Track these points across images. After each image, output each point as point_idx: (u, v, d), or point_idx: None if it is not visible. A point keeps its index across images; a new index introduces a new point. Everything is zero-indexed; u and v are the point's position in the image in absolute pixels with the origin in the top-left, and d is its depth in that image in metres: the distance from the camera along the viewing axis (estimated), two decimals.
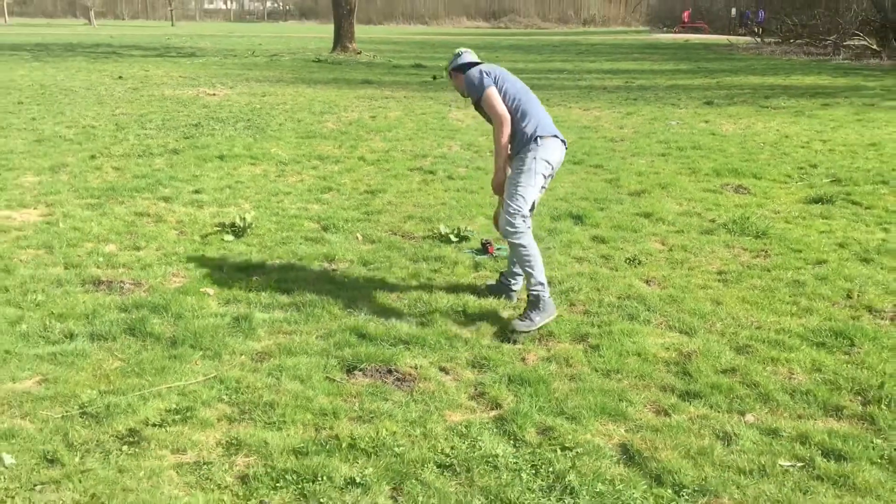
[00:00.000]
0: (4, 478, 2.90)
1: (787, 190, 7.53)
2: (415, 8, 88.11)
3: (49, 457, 3.04)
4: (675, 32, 49.81)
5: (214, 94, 14.82)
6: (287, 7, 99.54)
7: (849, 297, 4.72)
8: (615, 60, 26.88)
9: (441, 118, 12.10)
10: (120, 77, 17.80)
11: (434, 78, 18.88)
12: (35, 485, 2.87)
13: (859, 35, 28.88)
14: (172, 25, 65.17)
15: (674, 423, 3.28)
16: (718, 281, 5.03)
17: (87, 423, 3.29)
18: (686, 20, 49.36)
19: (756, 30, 37.98)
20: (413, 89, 16.67)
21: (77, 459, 3.02)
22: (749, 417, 3.35)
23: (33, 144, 9.30)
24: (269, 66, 22.47)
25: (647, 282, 5.02)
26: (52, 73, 18.47)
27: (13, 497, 2.79)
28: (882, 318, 4.43)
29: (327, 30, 32.92)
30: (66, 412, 3.37)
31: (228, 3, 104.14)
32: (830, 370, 3.79)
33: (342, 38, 27.56)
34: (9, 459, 3.01)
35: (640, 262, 5.36)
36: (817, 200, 7.02)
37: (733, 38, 38.63)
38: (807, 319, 4.40)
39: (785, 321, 4.37)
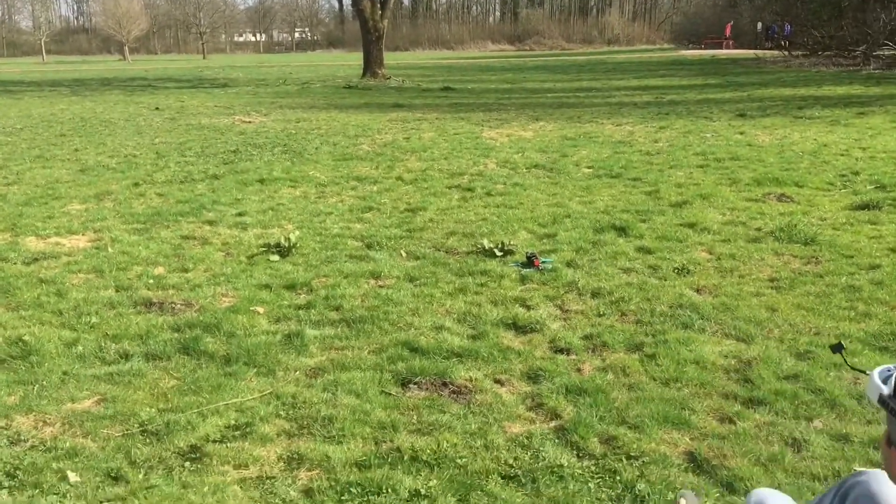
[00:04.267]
0: (71, 496, 2.91)
1: (830, 197, 7.41)
2: (440, 34, 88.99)
3: (113, 474, 3.05)
4: (703, 48, 49.67)
5: (250, 122, 15.02)
6: (315, 37, 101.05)
7: None
8: (643, 77, 26.85)
9: (475, 137, 12.13)
10: (157, 108, 18.12)
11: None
12: (101, 502, 2.87)
13: (889, 45, 28.55)
14: (204, 58, 66.43)
15: (740, 431, 3.21)
16: (771, 288, 4.95)
17: (147, 440, 3.30)
18: (728, 34, 48.62)
19: (783, 43, 37.74)
20: (444, 111, 16.76)
21: (141, 476, 3.02)
22: (817, 423, 3.27)
23: (77, 174, 9.48)
24: (300, 93, 22.76)
25: (697, 290, 4.96)
26: (90, 107, 18.87)
27: None
28: None
29: (355, 58, 33.40)
30: (127, 430, 3.39)
31: (258, 35, 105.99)
32: None
33: (371, 64, 27.87)
34: (73, 477, 3.02)
35: (688, 272, 5.30)
36: (863, 207, 6.91)
37: (760, 53, 38.40)
38: (866, 324, 4.31)
39: (844, 326, 4.28)
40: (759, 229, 6.31)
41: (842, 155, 9.64)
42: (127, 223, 7.01)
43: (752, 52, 40.77)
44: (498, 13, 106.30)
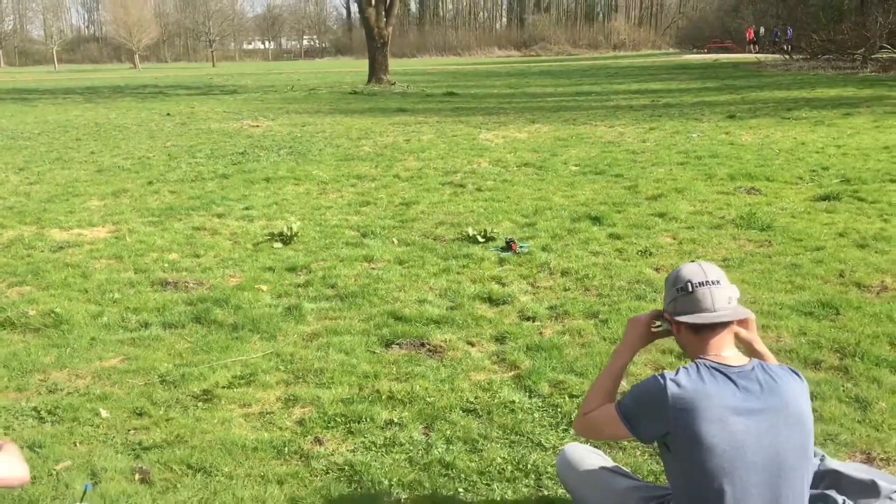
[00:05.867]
0: (103, 426, 3.49)
1: (796, 190, 7.95)
2: (447, 40, 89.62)
3: (138, 411, 3.63)
4: (706, 52, 50.06)
5: (257, 126, 15.65)
6: (323, 44, 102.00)
7: (841, 275, 5.17)
8: (643, 81, 27.37)
9: (472, 139, 12.71)
10: (168, 114, 18.78)
11: None
12: (129, 430, 3.46)
13: (887, 47, 29.03)
14: (213, 66, 67.33)
15: None
16: (722, 266, 5.47)
17: (166, 387, 3.88)
18: (751, 37, 47.72)
19: (785, 47, 38.24)
20: (445, 115, 17.36)
21: (161, 412, 3.60)
22: None
23: (95, 174, 10.10)
24: (307, 99, 23.41)
25: (656, 269, 5.51)
26: (104, 113, 19.56)
27: (112, 438, 3.38)
28: (869, 292, 4.87)
29: (362, 64, 34.07)
30: (148, 381, 3.97)
31: (266, 42, 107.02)
32: (815, 333, 4.25)
33: (377, 70, 28.51)
34: (105, 413, 3.61)
35: (651, 254, 5.86)
36: (824, 198, 7.44)
37: (762, 56, 38.90)
38: (799, 295, 4.86)
39: (779, 297, 4.83)
40: (722, 218, 6.86)
41: (817, 152, 10.17)
42: (143, 216, 7.61)
43: (753, 56, 41.25)
44: (505, 19, 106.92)
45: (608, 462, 2.61)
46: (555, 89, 25.28)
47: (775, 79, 25.95)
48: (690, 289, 2.24)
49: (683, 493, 2.15)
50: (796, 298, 4.79)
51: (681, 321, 2.26)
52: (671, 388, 2.10)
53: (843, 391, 3.56)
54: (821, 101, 17.55)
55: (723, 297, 2.24)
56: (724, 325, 2.23)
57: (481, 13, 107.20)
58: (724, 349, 2.22)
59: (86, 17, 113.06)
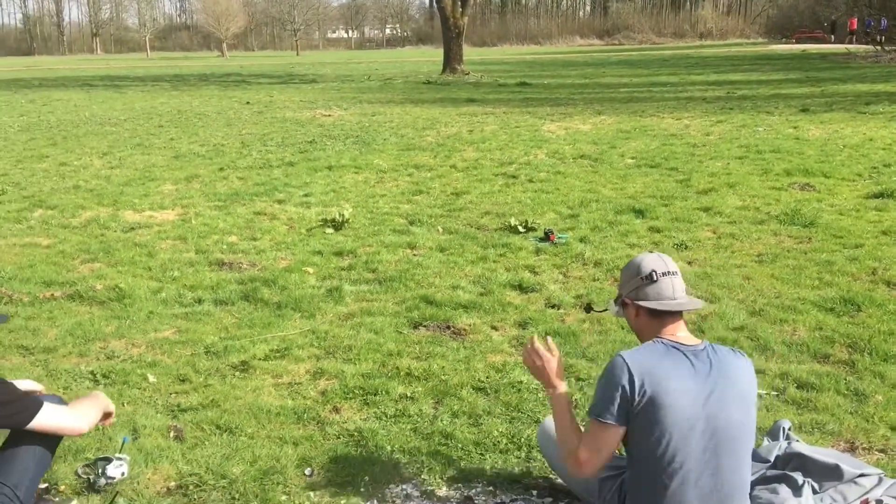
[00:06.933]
0: (149, 389, 3.88)
1: (852, 187, 7.85)
2: (528, 29, 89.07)
3: (181, 378, 4.00)
4: (795, 42, 48.42)
5: (329, 115, 16.14)
6: (405, 33, 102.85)
7: (873, 273, 5.18)
8: (723, 72, 26.82)
9: (534, 130, 12.85)
10: (247, 102, 19.50)
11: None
12: (171, 393, 3.83)
13: None
14: (297, 55, 68.83)
15: None
16: (755, 261, 5.57)
17: (209, 358, 4.25)
18: (853, 27, 45.34)
19: (878, 38, 36.71)
20: (514, 105, 17.50)
21: (201, 379, 3.97)
22: None
23: (171, 160, 10.70)
24: (381, 89, 23.86)
25: (689, 263, 5.61)
26: (188, 101, 20.43)
27: (155, 400, 3.76)
28: None
29: (441, 54, 34.38)
30: (194, 351, 4.35)
31: (349, 32, 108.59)
32: (831, 328, 4.32)
33: (451, 60, 28.75)
34: (152, 378, 4.00)
35: (687, 247, 5.95)
36: (878, 195, 7.34)
37: (853, 48, 37.47)
38: (825, 291, 4.91)
39: (804, 292, 4.89)
40: (767, 213, 6.87)
41: (883, 149, 9.94)
42: (210, 201, 8.09)
43: (843, 47, 39.76)
44: (588, 7, 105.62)
45: None
46: (630, 80, 25.04)
47: (862, 71, 25.07)
48: (655, 278, 2.45)
49: (636, 459, 2.37)
50: (821, 294, 4.84)
51: (644, 306, 2.46)
52: (630, 360, 2.33)
53: (845, 384, 3.65)
54: None
55: (681, 286, 2.46)
56: (680, 312, 2.44)
57: (564, 1, 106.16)
58: (679, 331, 2.43)
59: (177, 6, 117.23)
